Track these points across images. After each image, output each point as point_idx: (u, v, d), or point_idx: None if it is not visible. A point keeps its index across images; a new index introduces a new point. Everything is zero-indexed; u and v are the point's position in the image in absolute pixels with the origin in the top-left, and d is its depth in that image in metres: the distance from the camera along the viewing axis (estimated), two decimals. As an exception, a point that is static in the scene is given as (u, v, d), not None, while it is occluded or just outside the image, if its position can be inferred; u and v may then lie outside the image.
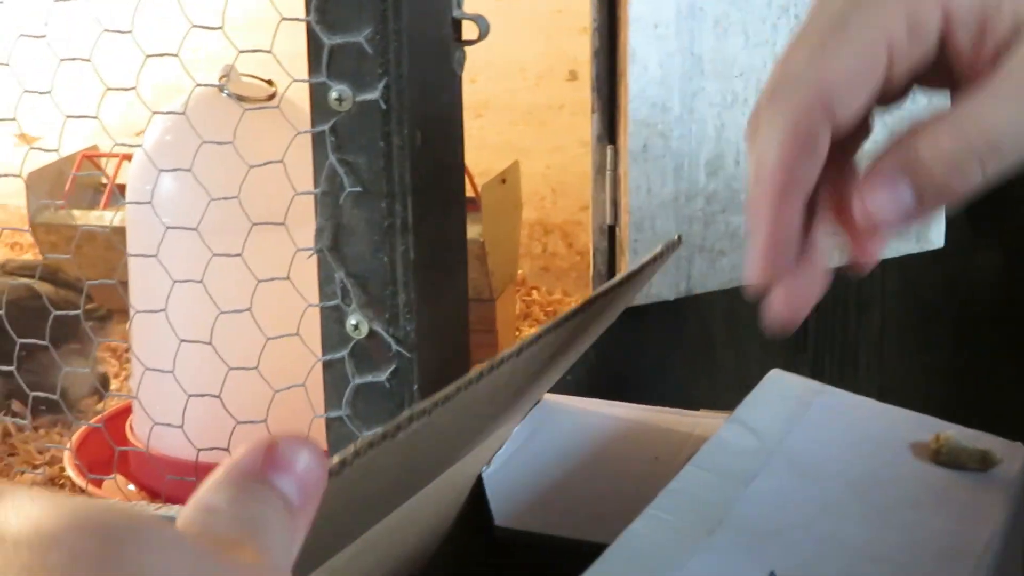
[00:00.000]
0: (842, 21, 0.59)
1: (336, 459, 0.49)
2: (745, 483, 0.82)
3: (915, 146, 0.58)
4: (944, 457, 0.91)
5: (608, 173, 1.40)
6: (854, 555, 0.77)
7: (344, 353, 0.90)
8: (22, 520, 0.27)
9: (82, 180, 1.73)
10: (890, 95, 0.61)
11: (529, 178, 1.81)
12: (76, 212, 1.65)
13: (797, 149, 0.57)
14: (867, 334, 1.74)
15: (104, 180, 1.76)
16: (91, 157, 1.75)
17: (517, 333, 1.69)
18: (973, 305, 1.74)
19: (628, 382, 1.54)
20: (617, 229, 1.41)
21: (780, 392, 0.96)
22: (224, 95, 0.97)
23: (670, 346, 1.54)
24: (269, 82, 0.99)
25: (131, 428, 1.06)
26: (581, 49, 1.74)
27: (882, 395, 1.73)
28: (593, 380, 1.44)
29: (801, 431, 0.92)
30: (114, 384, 1.53)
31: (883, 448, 0.93)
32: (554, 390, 1.01)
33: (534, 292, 1.88)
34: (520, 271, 1.84)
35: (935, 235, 1.55)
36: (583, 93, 1.51)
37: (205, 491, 0.33)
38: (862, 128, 0.61)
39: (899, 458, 0.92)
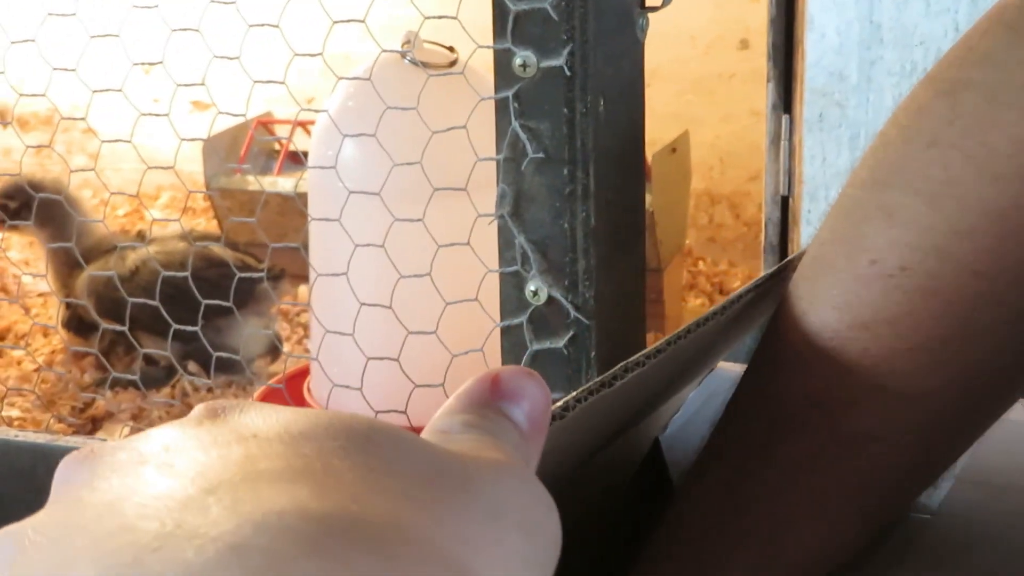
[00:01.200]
0: None
1: (559, 405, 0.49)
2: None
3: None
4: None
5: (783, 142, 1.38)
6: None
7: (523, 319, 0.91)
8: (271, 422, 0.28)
9: (256, 146, 1.76)
10: None
11: (697, 148, 1.80)
12: (250, 178, 1.68)
13: None
14: None
15: (278, 146, 1.79)
16: (265, 123, 1.78)
17: (683, 303, 1.69)
18: None
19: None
20: (790, 199, 1.40)
21: None
22: (407, 62, 0.98)
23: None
24: (451, 49, 1.00)
25: (308, 389, 1.08)
26: (752, 17, 1.73)
27: None
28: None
29: None
30: (286, 347, 1.56)
31: None
32: (727, 357, 1.01)
33: (700, 263, 1.87)
34: (686, 241, 1.83)
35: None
36: (754, 62, 1.49)
37: (437, 418, 0.33)
38: None
39: None
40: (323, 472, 0.27)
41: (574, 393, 0.51)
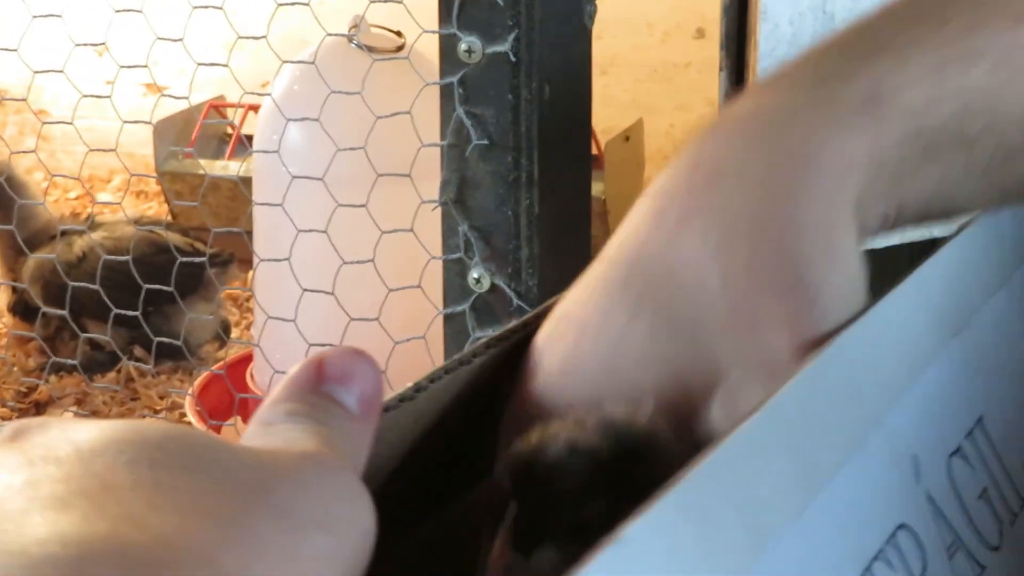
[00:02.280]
0: None
1: (409, 386, 0.48)
2: (990, 293, 0.76)
3: None
4: None
5: (735, 132, 1.38)
6: None
7: (465, 306, 0.90)
8: (67, 441, 0.28)
9: (208, 129, 1.74)
10: None
11: (653, 136, 1.79)
12: (202, 161, 1.67)
13: None
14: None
15: (230, 130, 1.77)
16: (218, 107, 1.77)
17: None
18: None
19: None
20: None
21: None
22: (353, 45, 0.97)
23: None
24: (398, 33, 0.99)
25: (251, 375, 1.07)
26: (709, 6, 1.72)
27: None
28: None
29: None
30: (235, 332, 1.54)
31: None
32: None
33: (654, 251, 1.86)
34: (640, 229, 1.83)
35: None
36: (710, 51, 1.48)
37: (262, 408, 0.32)
38: None
39: None
40: (101, 492, 0.26)
41: (425, 376, 0.50)
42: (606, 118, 1.65)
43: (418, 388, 0.42)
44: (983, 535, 0.57)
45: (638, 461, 0.42)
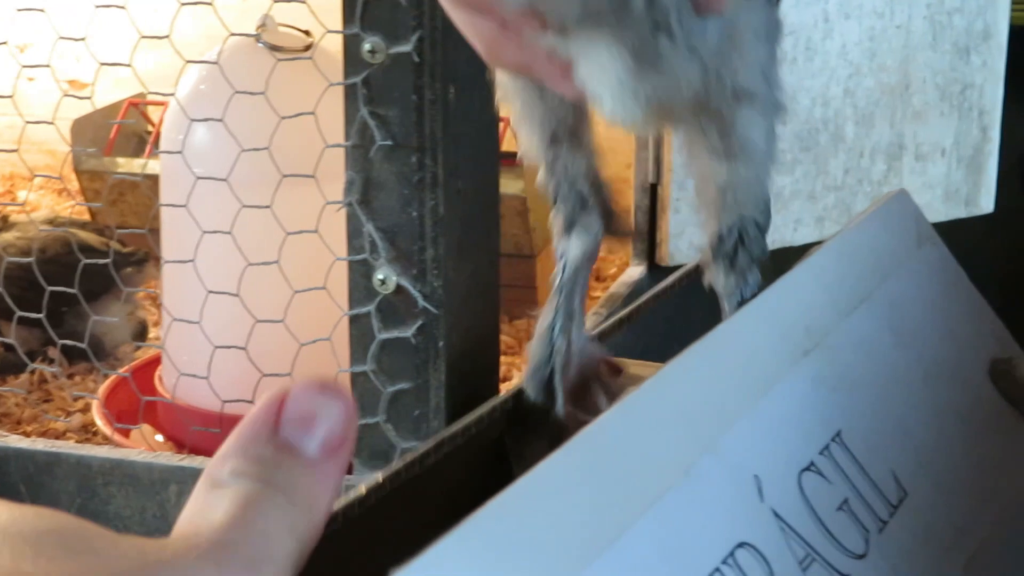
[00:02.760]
0: None
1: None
2: (848, 312, 0.77)
3: None
4: (1003, 384, 0.86)
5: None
6: (905, 449, 0.73)
7: (371, 308, 0.89)
8: None
9: (128, 127, 1.72)
10: None
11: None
12: (120, 160, 1.65)
13: None
14: (914, 299, 1.71)
15: (151, 127, 1.75)
16: (137, 104, 1.75)
17: (559, 290, 1.68)
18: (1024, 271, 1.71)
19: (674, 343, 1.52)
20: (659, 187, 1.40)
21: (900, 221, 0.89)
22: (259, 45, 0.96)
23: (715, 304, 1.52)
24: (307, 32, 0.98)
25: (159, 378, 1.06)
26: (631, 4, 1.72)
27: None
28: (665, 345, 1.43)
29: (906, 277, 0.85)
30: (153, 332, 1.53)
31: (966, 350, 0.87)
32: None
33: (578, 249, 1.86)
34: (564, 227, 1.83)
35: (984, 200, 1.52)
36: None
37: (213, 462, 0.31)
38: None
39: (976, 370, 0.87)
40: None
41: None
42: (529, 116, 1.64)
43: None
44: (844, 545, 0.57)
45: None
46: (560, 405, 0.80)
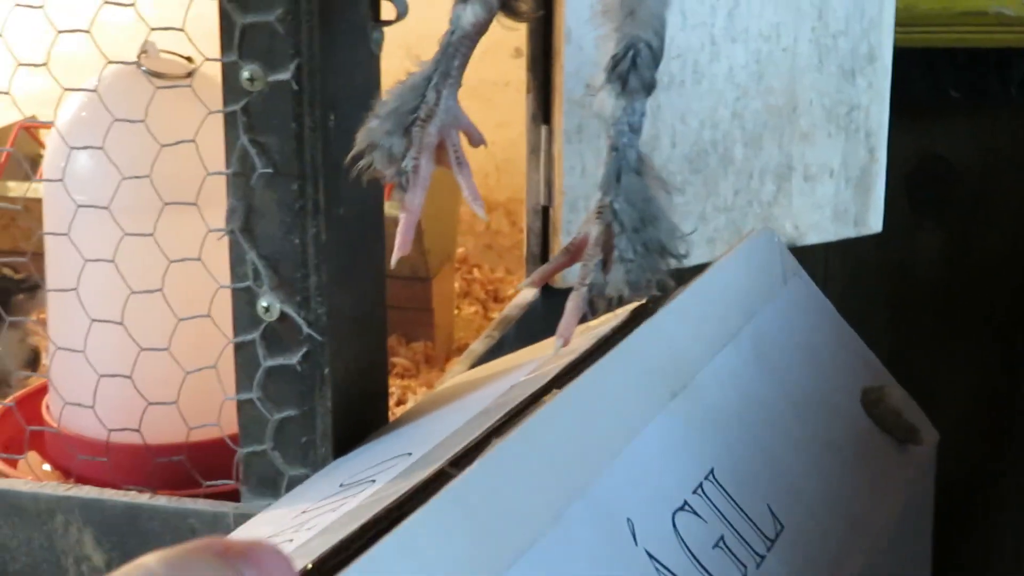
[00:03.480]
0: None
1: None
2: (715, 350, 0.78)
3: None
4: (876, 412, 0.89)
5: (542, 154, 1.39)
6: (779, 482, 0.75)
7: (255, 335, 0.90)
8: None
9: (22, 150, 1.70)
10: None
11: (472, 155, 1.79)
12: (11, 184, 1.63)
13: None
14: (807, 317, 1.73)
15: (42, 151, 1.74)
16: (29, 128, 1.73)
17: (457, 311, 1.69)
18: (912, 288, 1.74)
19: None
20: (551, 210, 1.41)
21: (764, 258, 0.91)
22: (141, 71, 0.96)
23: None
24: (189, 59, 0.98)
25: (47, 407, 1.05)
26: (526, 26, 1.73)
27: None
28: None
29: (772, 313, 0.87)
30: (46, 359, 1.51)
31: (837, 381, 0.90)
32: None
33: (475, 270, 1.87)
34: (462, 249, 1.83)
35: (873, 220, 1.55)
36: (526, 70, 1.50)
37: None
38: None
39: (847, 399, 0.89)
40: None
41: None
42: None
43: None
44: (721, 582, 0.58)
45: None
46: (413, 151, 0.81)
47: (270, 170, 0.87)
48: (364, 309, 0.94)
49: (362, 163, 0.83)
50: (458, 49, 0.84)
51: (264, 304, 0.89)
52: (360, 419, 0.95)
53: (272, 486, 0.92)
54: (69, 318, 0.98)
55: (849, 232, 1.55)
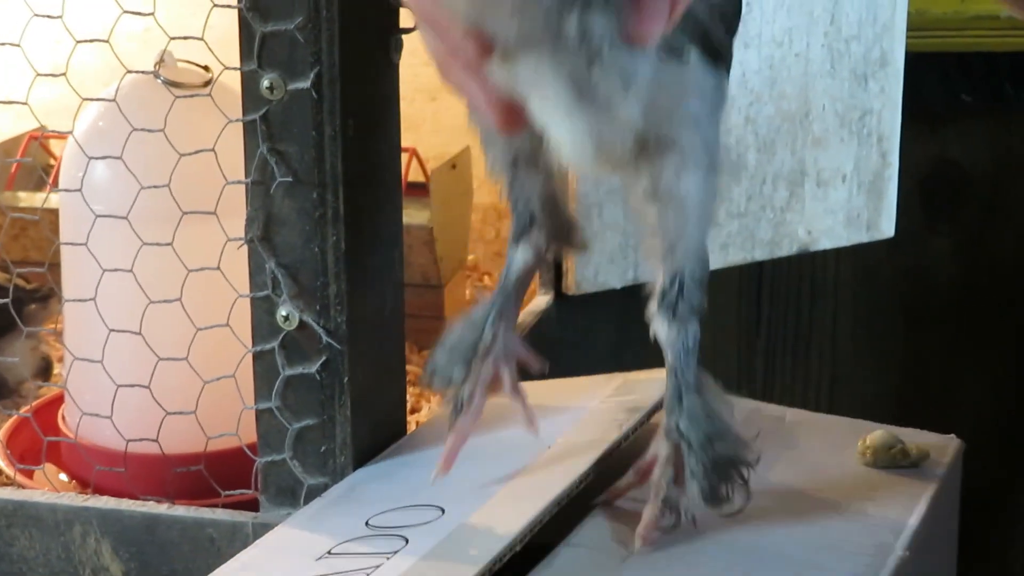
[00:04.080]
0: None
1: None
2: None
3: None
4: (870, 459, 0.92)
5: (556, 160, 1.39)
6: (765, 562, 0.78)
7: (274, 344, 0.89)
8: None
9: (33, 160, 1.70)
10: None
11: (481, 163, 1.79)
12: (21, 194, 1.63)
13: None
14: (820, 323, 1.73)
15: (53, 161, 1.73)
16: (38, 138, 1.73)
17: (469, 319, 1.68)
18: (926, 294, 1.74)
19: (580, 372, 1.53)
20: (565, 217, 1.40)
21: None
22: (158, 81, 0.95)
23: (621, 334, 1.53)
24: (206, 68, 0.98)
25: (63, 417, 1.05)
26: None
27: (834, 383, 1.74)
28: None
29: None
30: (57, 368, 1.51)
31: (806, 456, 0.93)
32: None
33: (486, 277, 1.86)
34: (472, 256, 1.83)
35: (885, 225, 1.54)
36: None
37: None
38: None
39: (825, 463, 0.92)
40: None
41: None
42: (437, 145, 1.65)
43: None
44: None
45: None
46: (470, 383, 0.85)
47: (290, 179, 0.87)
48: (383, 317, 0.94)
49: (423, 385, 0.92)
50: (513, 289, 0.90)
51: (283, 313, 0.89)
52: (379, 428, 0.95)
53: (291, 496, 0.92)
54: (86, 328, 0.98)
55: (862, 237, 1.55)
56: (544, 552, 0.81)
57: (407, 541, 0.78)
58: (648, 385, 0.97)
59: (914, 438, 0.94)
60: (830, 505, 0.85)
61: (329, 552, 0.79)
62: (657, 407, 0.96)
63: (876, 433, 0.92)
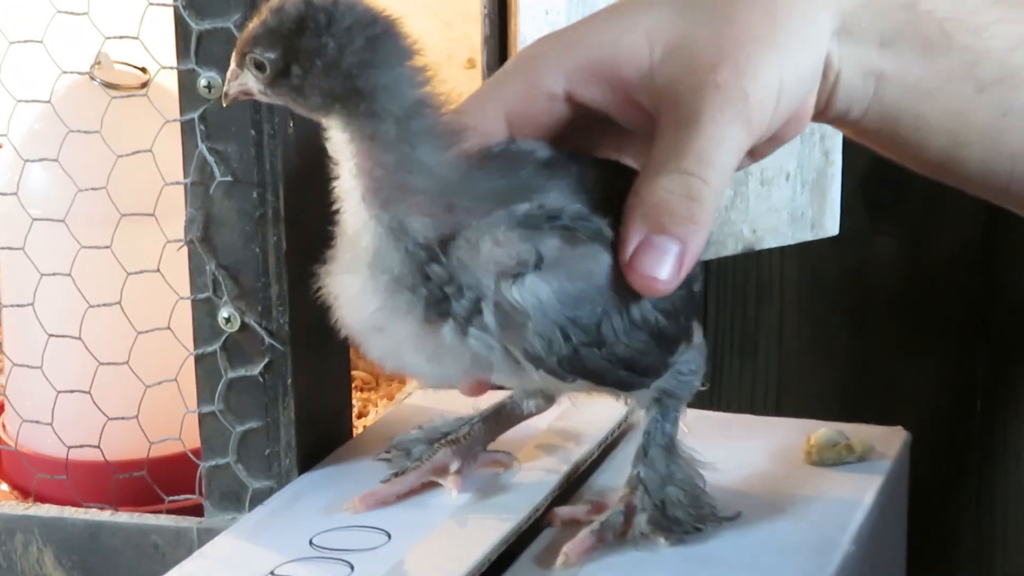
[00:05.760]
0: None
1: None
2: None
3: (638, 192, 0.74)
4: (816, 457, 0.92)
5: (500, 162, 1.38)
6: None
7: (216, 347, 0.88)
8: None
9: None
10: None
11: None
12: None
13: None
14: (766, 322, 1.74)
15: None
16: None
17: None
18: (871, 292, 1.75)
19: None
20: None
21: None
22: (96, 83, 0.94)
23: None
24: (143, 69, 0.97)
25: (3, 425, 1.04)
26: (479, 36, 1.73)
27: (781, 383, 1.74)
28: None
29: None
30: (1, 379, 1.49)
31: (748, 457, 0.94)
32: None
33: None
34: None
35: (830, 223, 1.55)
36: (480, 81, 1.49)
37: None
38: None
39: (771, 465, 0.93)
40: None
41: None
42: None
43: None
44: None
45: None
46: (425, 457, 0.85)
47: (229, 178, 0.86)
48: (326, 318, 0.93)
49: (381, 455, 0.92)
50: (510, 414, 0.91)
51: (225, 315, 0.88)
52: (324, 431, 0.94)
53: (236, 500, 0.91)
54: (25, 334, 0.96)
55: (806, 235, 1.55)
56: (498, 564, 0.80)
57: (352, 568, 0.77)
58: (595, 409, 0.96)
59: (860, 433, 0.94)
60: (777, 507, 0.85)
61: (271, 573, 0.78)
62: (608, 436, 0.96)
63: (820, 431, 0.93)
